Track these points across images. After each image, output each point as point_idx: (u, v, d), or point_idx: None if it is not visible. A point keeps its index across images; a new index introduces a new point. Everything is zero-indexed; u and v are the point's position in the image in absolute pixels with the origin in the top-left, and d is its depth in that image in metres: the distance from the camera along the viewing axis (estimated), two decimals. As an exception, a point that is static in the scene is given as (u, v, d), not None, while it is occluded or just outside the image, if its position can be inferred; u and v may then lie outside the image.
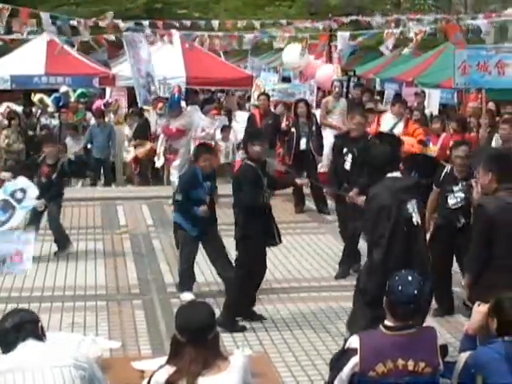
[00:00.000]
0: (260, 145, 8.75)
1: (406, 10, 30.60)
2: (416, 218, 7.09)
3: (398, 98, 12.87)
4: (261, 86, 18.95)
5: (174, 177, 14.42)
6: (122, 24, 20.94)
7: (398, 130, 12.46)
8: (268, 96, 16.23)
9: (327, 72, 18.69)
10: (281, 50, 26.92)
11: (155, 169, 16.86)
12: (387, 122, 12.88)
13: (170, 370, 4.20)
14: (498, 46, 11.52)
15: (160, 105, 16.32)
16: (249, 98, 19.50)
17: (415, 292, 4.79)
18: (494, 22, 16.75)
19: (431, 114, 17.56)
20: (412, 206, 7.10)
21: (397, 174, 7.27)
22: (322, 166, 14.81)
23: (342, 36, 21.15)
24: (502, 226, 6.45)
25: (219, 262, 9.38)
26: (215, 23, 25.05)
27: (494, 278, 6.37)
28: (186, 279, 9.55)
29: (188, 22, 24.69)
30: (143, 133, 17.29)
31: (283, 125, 15.26)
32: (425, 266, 6.75)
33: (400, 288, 4.78)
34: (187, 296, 9.25)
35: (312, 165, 14.29)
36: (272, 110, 16.64)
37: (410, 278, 4.88)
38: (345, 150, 10.54)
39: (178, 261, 9.76)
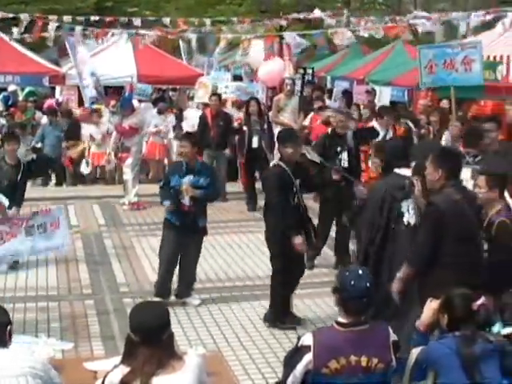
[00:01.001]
0: (292, 146, 8.69)
1: (356, 8, 30.80)
2: (408, 218, 7.15)
3: (387, 109, 12.92)
4: (207, 84, 18.88)
5: (127, 175, 14.36)
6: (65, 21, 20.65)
7: None
8: (219, 96, 16.14)
9: (271, 69, 18.64)
10: (233, 48, 26.89)
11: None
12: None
13: (124, 370, 4.17)
14: (462, 42, 11.60)
15: (112, 102, 16.23)
16: (192, 98, 19.37)
17: (367, 285, 4.79)
18: (443, 22, 16.89)
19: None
20: (407, 206, 7.16)
21: (405, 170, 7.36)
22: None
23: (291, 35, 21.16)
24: (450, 224, 6.48)
25: (185, 271, 9.39)
26: (166, 21, 24.91)
27: (442, 275, 6.40)
28: (160, 286, 9.31)
29: (138, 21, 24.53)
30: (74, 133, 17.16)
31: (235, 124, 15.28)
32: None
33: (352, 283, 4.77)
34: (194, 301, 9.26)
35: (264, 162, 14.30)
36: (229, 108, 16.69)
37: (360, 272, 4.88)
38: (338, 148, 10.61)
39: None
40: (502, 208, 6.98)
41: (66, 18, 19.87)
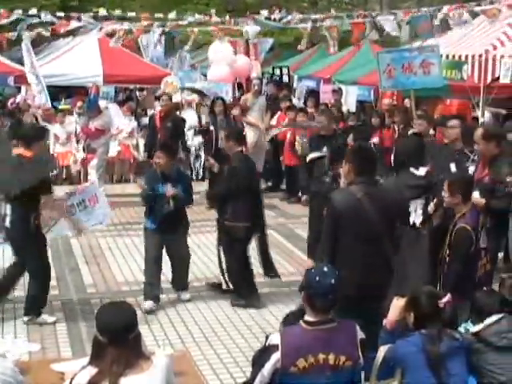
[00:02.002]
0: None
1: (323, 8, 30.84)
2: (413, 218, 7.15)
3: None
4: (175, 83, 18.82)
5: (93, 176, 14.30)
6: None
7: None
8: (170, 97, 15.96)
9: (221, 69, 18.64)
10: (199, 47, 26.84)
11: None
12: None
13: (91, 371, 4.16)
14: (420, 45, 11.68)
15: (79, 104, 16.13)
16: (158, 98, 19.28)
17: (332, 282, 4.81)
18: (406, 20, 16.99)
19: (348, 111, 17.81)
20: (415, 206, 7.16)
21: (420, 170, 7.36)
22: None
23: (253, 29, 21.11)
24: (348, 221, 6.33)
25: (176, 273, 9.51)
26: (131, 17, 24.82)
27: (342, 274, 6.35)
28: (147, 286, 9.27)
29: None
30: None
31: (204, 122, 15.29)
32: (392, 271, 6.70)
33: (317, 279, 4.80)
34: (148, 305, 9.11)
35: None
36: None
37: (325, 269, 4.92)
38: (325, 149, 10.69)
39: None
40: (465, 213, 6.95)
41: (32, 12, 19.74)
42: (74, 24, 20.42)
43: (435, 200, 7.41)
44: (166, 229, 9.10)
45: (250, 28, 19.77)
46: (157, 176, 9.29)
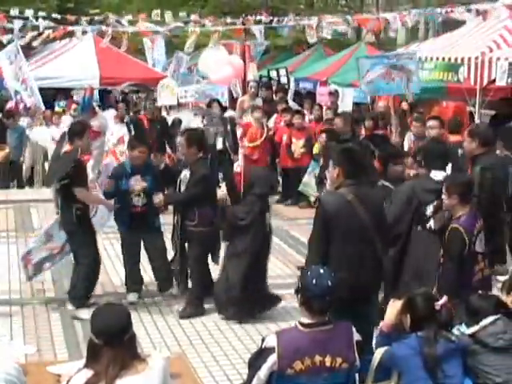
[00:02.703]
0: (402, 163, 8.82)
1: (319, 10, 30.93)
2: (431, 223, 7.13)
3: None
4: (171, 85, 18.82)
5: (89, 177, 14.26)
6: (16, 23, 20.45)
7: None
8: (154, 100, 15.86)
9: (223, 71, 18.65)
10: (196, 49, 26.80)
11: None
12: None
13: (87, 373, 4.16)
14: (398, 52, 11.76)
15: (73, 106, 16.10)
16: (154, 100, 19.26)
17: (329, 283, 4.83)
18: (405, 22, 17.04)
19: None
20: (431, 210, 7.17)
21: (441, 172, 7.37)
22: (239, 166, 14.86)
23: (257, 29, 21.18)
24: (339, 224, 6.27)
25: (158, 272, 9.59)
26: (128, 19, 24.82)
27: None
28: (130, 282, 9.49)
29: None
30: (1, 135, 16.96)
31: (201, 124, 15.26)
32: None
33: (314, 282, 4.82)
34: (132, 297, 9.31)
35: (228, 164, 14.32)
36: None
37: (321, 271, 4.94)
38: None
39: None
40: (462, 215, 6.89)
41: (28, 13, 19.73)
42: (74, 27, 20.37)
43: (435, 202, 7.40)
44: (140, 225, 9.21)
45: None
46: (122, 170, 9.42)
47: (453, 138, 11.08)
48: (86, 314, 8.24)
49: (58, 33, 20.49)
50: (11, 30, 20.52)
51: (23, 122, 17.59)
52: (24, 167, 17.18)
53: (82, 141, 8.91)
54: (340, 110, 17.36)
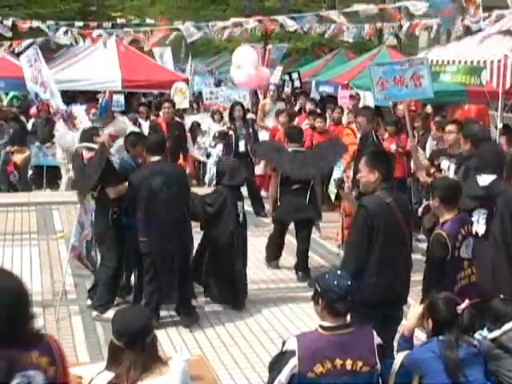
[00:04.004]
0: None
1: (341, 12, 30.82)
2: (476, 227, 7.10)
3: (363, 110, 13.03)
4: (184, 89, 18.87)
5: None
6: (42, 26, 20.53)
7: None
8: (174, 104, 15.86)
9: (249, 73, 18.73)
10: (218, 52, 26.93)
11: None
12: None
13: (109, 375, 4.18)
14: (409, 58, 11.72)
15: (93, 110, 16.16)
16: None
17: (349, 283, 4.85)
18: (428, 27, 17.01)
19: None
20: (477, 216, 7.14)
21: (490, 177, 7.37)
22: (259, 169, 14.91)
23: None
24: (380, 227, 6.28)
25: None
26: (150, 23, 24.97)
27: (369, 280, 6.26)
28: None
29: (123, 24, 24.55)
30: (21, 138, 17.03)
31: (225, 128, 15.32)
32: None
33: (336, 283, 4.81)
34: None
35: (250, 167, 14.34)
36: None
37: (339, 272, 4.97)
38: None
39: None
40: (447, 220, 6.78)
41: (50, 23, 19.85)
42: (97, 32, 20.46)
43: (424, 203, 7.40)
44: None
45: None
46: (131, 168, 9.38)
47: None
48: (110, 314, 8.32)
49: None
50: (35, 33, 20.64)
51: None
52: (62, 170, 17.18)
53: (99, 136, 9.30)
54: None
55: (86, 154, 9.29)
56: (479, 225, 7.20)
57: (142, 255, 8.76)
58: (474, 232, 7.07)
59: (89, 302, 9.19)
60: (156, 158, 8.82)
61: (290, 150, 10.92)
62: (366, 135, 11.56)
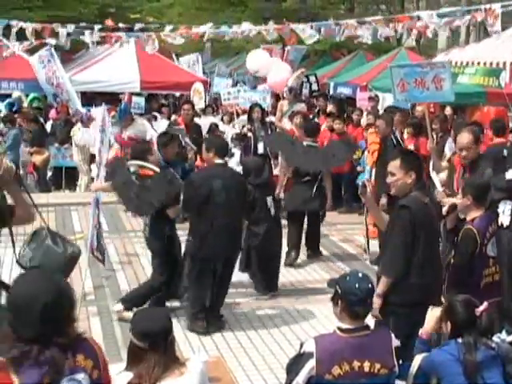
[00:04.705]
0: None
1: (360, 14, 30.84)
2: (502, 219, 7.14)
3: (389, 110, 13.00)
4: (200, 90, 18.91)
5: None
6: (61, 30, 20.57)
7: None
8: (193, 105, 15.87)
9: (281, 75, 18.81)
10: (237, 53, 26.91)
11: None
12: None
13: (128, 375, 4.19)
14: (430, 61, 11.74)
15: (112, 113, 16.18)
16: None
17: (370, 286, 4.86)
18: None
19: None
20: (503, 207, 7.19)
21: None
22: (278, 170, 14.90)
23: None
24: (421, 227, 6.28)
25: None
26: (169, 27, 25.00)
27: (411, 281, 6.25)
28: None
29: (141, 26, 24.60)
30: (40, 140, 17.09)
31: (244, 129, 15.34)
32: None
33: (357, 285, 4.81)
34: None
35: (269, 169, 14.31)
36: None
37: (360, 275, 4.92)
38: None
39: None
40: (476, 217, 6.83)
41: (70, 26, 19.92)
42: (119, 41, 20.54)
43: (450, 202, 7.40)
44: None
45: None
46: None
47: (497, 140, 11.08)
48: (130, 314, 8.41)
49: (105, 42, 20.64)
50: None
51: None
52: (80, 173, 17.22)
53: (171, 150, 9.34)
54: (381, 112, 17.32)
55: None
56: (504, 216, 7.23)
57: (185, 255, 8.86)
58: (499, 223, 7.11)
59: (117, 307, 9.03)
60: (220, 161, 8.76)
61: (304, 143, 11.37)
62: (385, 138, 11.58)
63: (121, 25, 21.97)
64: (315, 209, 11.47)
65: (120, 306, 8.95)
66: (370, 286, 4.85)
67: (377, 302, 6.05)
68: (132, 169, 8.92)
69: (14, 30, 19.51)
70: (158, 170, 8.91)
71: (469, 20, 15.06)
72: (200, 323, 8.61)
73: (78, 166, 16.95)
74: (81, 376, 3.50)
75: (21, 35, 20.06)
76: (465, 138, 8.26)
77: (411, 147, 12.74)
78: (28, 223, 6.47)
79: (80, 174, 17.01)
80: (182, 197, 8.59)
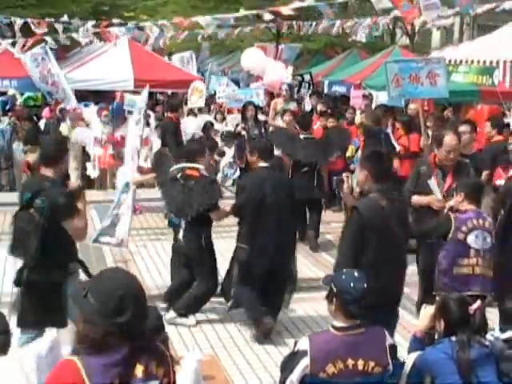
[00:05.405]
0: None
1: (353, 14, 30.85)
2: None
3: (381, 107, 12.98)
4: (201, 88, 18.91)
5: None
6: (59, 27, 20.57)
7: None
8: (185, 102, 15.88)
9: (277, 74, 18.83)
10: (231, 52, 26.92)
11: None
12: None
13: None
14: (425, 57, 11.76)
15: (104, 112, 16.16)
16: (186, 102, 19.29)
17: (365, 286, 4.84)
18: (440, 26, 16.99)
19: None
20: None
21: None
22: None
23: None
24: (373, 231, 6.24)
25: None
26: (164, 23, 25.04)
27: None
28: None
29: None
30: (34, 138, 17.04)
31: (239, 128, 15.35)
32: None
33: (352, 285, 4.80)
34: None
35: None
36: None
37: (356, 274, 4.91)
38: None
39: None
40: (465, 210, 7.04)
41: (57, 25, 19.91)
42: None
43: (448, 206, 7.52)
44: None
45: None
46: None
47: (498, 138, 11.21)
48: (190, 321, 8.74)
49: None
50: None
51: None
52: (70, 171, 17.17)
53: (204, 158, 8.88)
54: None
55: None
56: None
57: (237, 263, 8.56)
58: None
59: (168, 315, 8.80)
60: (264, 164, 8.55)
61: (301, 137, 12.05)
62: (369, 133, 11.77)
63: (115, 20, 21.99)
64: (317, 197, 12.13)
65: (172, 314, 8.79)
66: (365, 286, 4.83)
67: None
68: (179, 166, 8.73)
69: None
70: (205, 172, 8.74)
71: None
72: (266, 321, 8.34)
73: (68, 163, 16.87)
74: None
75: (21, 32, 20.08)
76: (453, 139, 8.31)
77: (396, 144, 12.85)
78: (77, 238, 6.80)
79: (73, 173, 16.93)
80: (235, 201, 8.53)
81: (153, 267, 10.81)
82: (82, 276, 6.82)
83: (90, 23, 20.73)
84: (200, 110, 18.95)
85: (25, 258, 6.58)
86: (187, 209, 8.43)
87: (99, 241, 9.06)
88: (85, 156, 16.45)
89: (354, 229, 6.33)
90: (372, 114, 12.61)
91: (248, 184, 8.57)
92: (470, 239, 6.87)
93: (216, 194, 8.47)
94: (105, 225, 9.45)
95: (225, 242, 9.64)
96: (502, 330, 5.36)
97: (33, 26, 21.03)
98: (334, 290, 4.86)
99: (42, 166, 7.02)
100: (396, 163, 12.21)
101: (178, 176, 8.62)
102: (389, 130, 12.78)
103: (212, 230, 8.94)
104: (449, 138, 8.30)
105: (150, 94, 21.87)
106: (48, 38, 20.58)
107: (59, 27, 19.77)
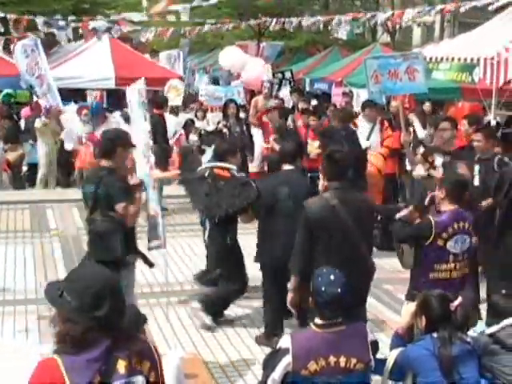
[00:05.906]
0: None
1: (335, 11, 30.91)
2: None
3: (367, 102, 12.90)
4: (179, 87, 18.88)
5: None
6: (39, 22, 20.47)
7: (376, 135, 12.60)
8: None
9: (255, 71, 18.83)
10: (212, 50, 26.86)
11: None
12: (362, 128, 12.82)
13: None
14: (404, 53, 11.77)
15: (84, 111, 16.09)
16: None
17: (339, 291, 4.80)
18: (420, 23, 17.05)
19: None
20: None
21: None
22: (254, 166, 14.91)
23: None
24: (324, 230, 6.27)
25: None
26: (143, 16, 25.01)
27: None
28: None
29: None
30: (14, 136, 17.01)
31: (220, 125, 15.33)
32: None
33: (323, 289, 4.80)
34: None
35: (244, 164, 14.33)
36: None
37: (332, 278, 4.86)
38: None
39: None
40: (447, 211, 6.75)
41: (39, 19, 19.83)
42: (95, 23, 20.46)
43: (430, 195, 7.38)
44: None
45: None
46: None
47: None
48: (212, 322, 8.68)
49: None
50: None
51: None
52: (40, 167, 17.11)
53: (235, 158, 8.66)
54: (355, 110, 17.38)
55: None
56: None
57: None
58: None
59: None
60: (289, 167, 8.20)
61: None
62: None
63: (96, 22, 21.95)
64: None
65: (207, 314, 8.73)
66: (339, 290, 4.79)
67: (289, 295, 6.52)
68: (208, 166, 8.59)
69: None
70: (236, 173, 8.54)
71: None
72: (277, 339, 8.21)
73: (39, 160, 16.77)
74: (138, 379, 3.45)
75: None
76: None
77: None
78: (129, 222, 7.16)
79: (41, 169, 16.82)
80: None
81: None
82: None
83: (70, 18, 20.66)
84: (184, 107, 18.97)
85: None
86: (215, 209, 8.29)
87: (152, 247, 8.98)
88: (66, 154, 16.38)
89: (302, 228, 6.41)
90: (339, 113, 12.58)
91: (262, 187, 8.27)
92: (450, 245, 6.76)
93: (248, 197, 8.23)
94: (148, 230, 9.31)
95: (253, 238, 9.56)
96: (488, 325, 5.38)
97: (11, 27, 20.90)
98: (311, 288, 4.88)
99: (100, 159, 7.41)
100: (379, 161, 12.23)
101: (206, 174, 8.47)
102: (377, 128, 12.74)
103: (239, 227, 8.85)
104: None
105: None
106: (30, 35, 20.47)
107: (40, 22, 19.65)
